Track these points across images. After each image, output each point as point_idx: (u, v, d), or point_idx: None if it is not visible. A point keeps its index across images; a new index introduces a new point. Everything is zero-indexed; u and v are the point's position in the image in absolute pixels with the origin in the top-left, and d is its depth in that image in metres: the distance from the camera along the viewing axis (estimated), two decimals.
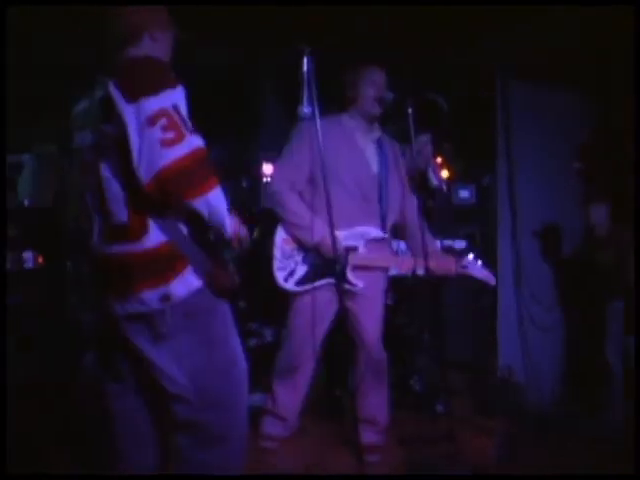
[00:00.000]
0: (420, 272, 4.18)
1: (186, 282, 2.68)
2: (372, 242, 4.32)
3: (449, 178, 6.04)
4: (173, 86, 2.60)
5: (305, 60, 3.60)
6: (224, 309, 2.85)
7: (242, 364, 2.92)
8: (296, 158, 4.25)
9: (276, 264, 4.23)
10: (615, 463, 4.43)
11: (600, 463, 4.48)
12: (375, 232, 4.31)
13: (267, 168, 7.07)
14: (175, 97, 2.58)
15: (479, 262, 4.29)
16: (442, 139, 5.52)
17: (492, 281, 4.40)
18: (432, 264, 4.16)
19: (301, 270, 4.26)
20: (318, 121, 3.62)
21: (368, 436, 4.44)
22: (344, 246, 4.20)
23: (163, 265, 2.67)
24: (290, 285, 4.24)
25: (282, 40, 4.67)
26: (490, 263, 5.79)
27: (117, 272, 2.71)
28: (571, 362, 6.07)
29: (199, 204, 2.59)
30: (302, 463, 4.39)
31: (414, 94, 4.23)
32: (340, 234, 4.07)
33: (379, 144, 4.43)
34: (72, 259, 3.05)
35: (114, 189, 2.67)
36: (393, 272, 4.95)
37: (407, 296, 5.69)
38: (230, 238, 2.78)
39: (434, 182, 5.17)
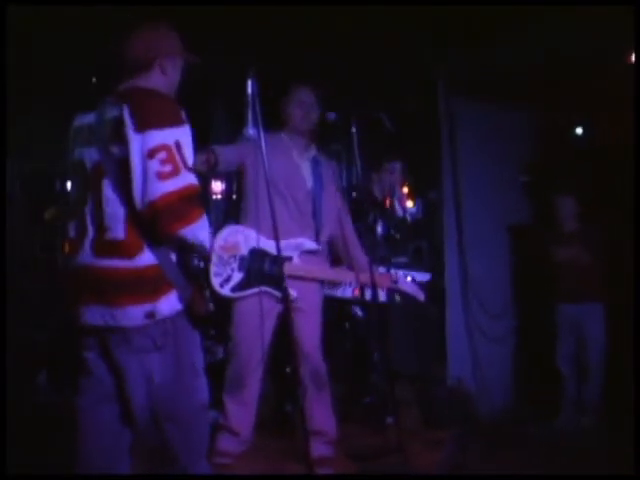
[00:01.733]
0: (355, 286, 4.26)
1: (170, 303, 2.78)
2: (306, 254, 4.43)
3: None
4: (179, 124, 2.75)
5: (250, 82, 3.66)
6: (196, 334, 2.94)
7: (204, 388, 2.99)
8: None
9: (213, 270, 4.28)
10: (568, 469, 4.55)
11: (551, 470, 4.59)
12: (309, 244, 4.42)
13: (215, 186, 7.10)
14: (179, 134, 2.73)
15: (408, 278, 4.37)
16: (388, 156, 5.59)
17: (421, 296, 4.50)
18: (365, 278, 4.27)
19: (237, 277, 4.33)
20: (263, 142, 3.67)
21: (317, 448, 4.49)
22: (281, 256, 4.26)
23: (152, 284, 2.77)
24: (226, 291, 4.31)
25: (230, 56, 4.75)
26: (437, 276, 5.93)
27: (105, 284, 2.79)
28: (521, 370, 6.15)
29: (185, 233, 2.72)
30: None
31: (358, 113, 4.31)
32: (271, 242, 4.13)
33: (315, 162, 4.55)
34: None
35: (114, 206, 2.77)
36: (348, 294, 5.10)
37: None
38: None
39: (399, 212, 5.28)
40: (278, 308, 4.32)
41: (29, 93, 5.43)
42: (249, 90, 3.66)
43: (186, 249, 2.83)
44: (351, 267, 4.57)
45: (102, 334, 2.82)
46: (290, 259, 4.35)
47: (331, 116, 4.39)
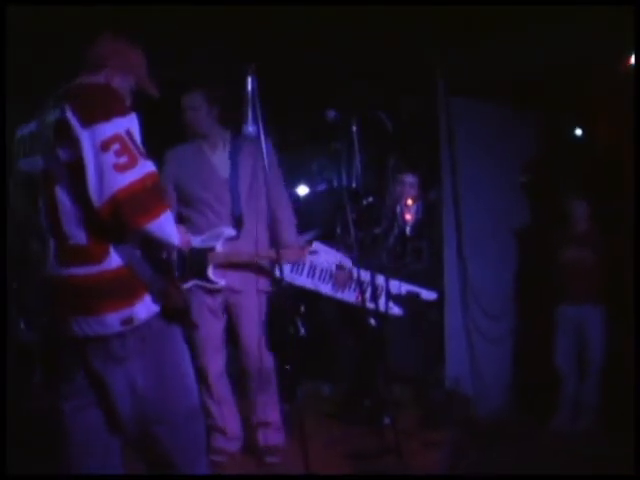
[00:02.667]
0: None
1: (147, 306, 2.71)
2: (230, 241, 4.51)
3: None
4: (125, 113, 2.65)
5: (249, 79, 3.65)
6: (177, 332, 2.87)
7: (193, 388, 2.95)
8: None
9: None
10: (566, 469, 4.53)
11: (549, 471, 4.57)
12: (229, 231, 4.50)
13: None
14: (127, 123, 2.63)
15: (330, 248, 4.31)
16: (387, 154, 5.58)
17: (347, 262, 4.47)
18: (281, 255, 4.24)
19: None
20: (263, 140, 3.66)
21: (265, 438, 4.64)
22: (203, 247, 4.44)
23: (125, 287, 2.69)
24: None
25: (228, 57, 4.73)
26: (437, 276, 5.91)
27: (77, 294, 2.70)
28: (519, 371, 6.13)
29: (151, 228, 2.62)
30: None
31: (358, 112, 4.30)
32: (198, 238, 4.37)
33: (233, 150, 4.59)
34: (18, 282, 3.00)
35: (70, 212, 2.66)
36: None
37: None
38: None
39: (400, 222, 5.28)
40: (218, 303, 4.52)
41: (29, 93, 5.40)
42: (249, 87, 3.65)
43: (153, 245, 2.75)
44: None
45: (80, 344, 2.73)
46: (213, 249, 4.45)
47: (331, 114, 4.37)
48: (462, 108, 6.05)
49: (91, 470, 2.88)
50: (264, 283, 4.66)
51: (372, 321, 5.21)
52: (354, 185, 5.45)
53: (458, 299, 6.01)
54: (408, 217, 5.51)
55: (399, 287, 5.17)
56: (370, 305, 4.95)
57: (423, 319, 5.55)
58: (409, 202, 5.50)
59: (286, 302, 4.65)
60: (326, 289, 5.24)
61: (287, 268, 4.88)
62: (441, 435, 5.15)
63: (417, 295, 5.27)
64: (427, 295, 5.43)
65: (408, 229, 5.51)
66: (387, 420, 5.04)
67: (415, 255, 5.66)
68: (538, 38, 5.29)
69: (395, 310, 5.14)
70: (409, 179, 5.61)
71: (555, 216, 6.03)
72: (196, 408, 2.96)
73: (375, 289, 4.52)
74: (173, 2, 4.74)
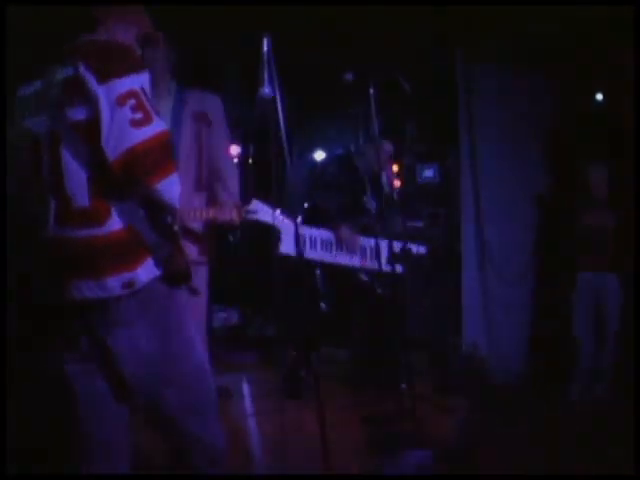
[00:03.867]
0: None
1: (148, 269, 2.67)
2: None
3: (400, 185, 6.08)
4: (141, 70, 2.63)
5: (265, 41, 3.61)
6: (179, 295, 2.84)
7: (199, 348, 2.93)
8: None
9: None
10: (582, 438, 4.54)
11: (565, 438, 4.58)
12: None
13: (233, 149, 7.09)
14: (142, 80, 2.61)
15: (267, 207, 4.17)
16: (406, 119, 5.55)
17: (287, 226, 4.31)
18: (212, 213, 3.96)
19: None
20: (279, 101, 3.62)
21: None
22: None
23: (128, 251, 2.65)
24: None
25: (244, 23, 4.68)
26: (454, 241, 5.90)
27: (78, 256, 2.67)
28: (537, 337, 6.11)
29: (160, 187, 2.61)
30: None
31: (376, 75, 4.25)
32: None
33: (177, 105, 4.21)
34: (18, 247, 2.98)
35: (75, 172, 2.63)
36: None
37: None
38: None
39: (386, 188, 5.24)
40: None
41: None
42: (264, 48, 3.61)
43: (156, 208, 2.70)
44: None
45: (83, 309, 2.70)
46: None
47: (348, 77, 4.32)
48: (480, 75, 6.00)
49: (99, 441, 2.85)
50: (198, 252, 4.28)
51: (363, 277, 5.24)
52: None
53: (475, 265, 5.98)
54: (397, 183, 5.48)
55: (393, 246, 5.13)
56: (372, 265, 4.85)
57: (420, 273, 5.52)
58: (394, 168, 5.46)
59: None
60: (330, 258, 5.24)
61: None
62: (457, 401, 5.15)
63: (409, 250, 5.24)
64: (417, 249, 5.42)
65: (395, 194, 5.49)
66: (403, 386, 5.04)
67: (431, 220, 5.65)
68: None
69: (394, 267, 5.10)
70: (388, 147, 5.56)
71: (574, 182, 5.97)
72: (203, 368, 2.93)
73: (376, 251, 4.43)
74: None
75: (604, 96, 6.39)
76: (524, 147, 6.12)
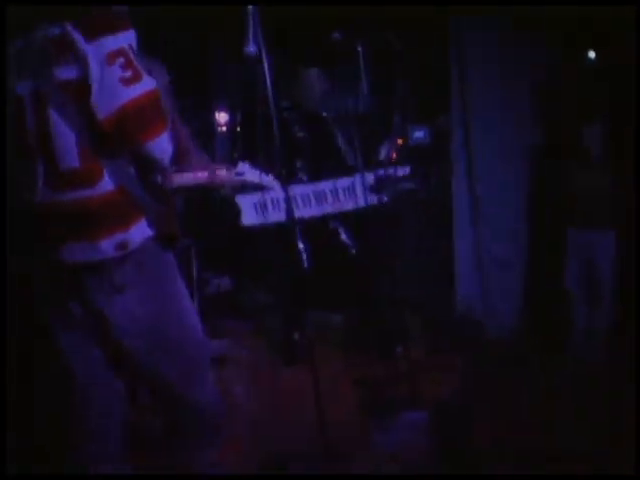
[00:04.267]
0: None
1: (141, 230, 2.66)
2: None
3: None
4: (127, 28, 2.60)
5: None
6: (170, 258, 2.83)
7: (192, 311, 2.93)
8: None
9: None
10: (575, 395, 4.56)
11: (562, 395, 4.61)
12: None
13: (220, 116, 7.03)
14: (130, 38, 2.59)
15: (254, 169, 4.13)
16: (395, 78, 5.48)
17: (273, 185, 4.27)
18: (207, 174, 3.90)
19: None
20: (265, 60, 3.56)
21: None
22: None
23: (120, 212, 2.64)
24: None
25: None
26: (445, 202, 5.86)
27: (69, 219, 2.64)
28: (531, 294, 6.08)
29: (152, 145, 2.59)
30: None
31: (365, 33, 4.20)
32: None
33: None
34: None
35: (63, 133, 2.59)
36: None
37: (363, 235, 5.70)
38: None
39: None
40: None
41: None
42: (249, 7, 3.55)
43: (147, 167, 2.69)
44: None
45: (76, 274, 2.67)
46: None
47: (337, 35, 4.25)
48: (472, 30, 5.90)
49: (95, 417, 2.85)
50: None
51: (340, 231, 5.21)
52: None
53: (467, 221, 5.94)
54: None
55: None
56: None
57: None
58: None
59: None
60: (310, 212, 5.19)
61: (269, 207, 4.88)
62: (452, 359, 5.14)
63: (392, 175, 5.16)
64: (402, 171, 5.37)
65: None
66: (399, 349, 5.01)
67: (423, 179, 5.61)
68: None
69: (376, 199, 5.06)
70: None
71: (568, 139, 5.92)
72: (197, 332, 2.93)
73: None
74: None
75: (599, 52, 6.33)
76: (517, 102, 6.04)
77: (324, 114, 5.67)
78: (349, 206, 5.18)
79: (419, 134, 5.83)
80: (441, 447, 3.88)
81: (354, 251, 5.69)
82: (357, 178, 5.16)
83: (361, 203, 5.01)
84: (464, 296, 5.95)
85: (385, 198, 5.14)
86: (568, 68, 6.14)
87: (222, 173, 3.93)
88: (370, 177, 5.19)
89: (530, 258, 6.09)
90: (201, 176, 3.78)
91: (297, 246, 5.06)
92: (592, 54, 6.41)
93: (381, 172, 5.15)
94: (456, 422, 4.10)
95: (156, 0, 3.08)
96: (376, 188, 4.99)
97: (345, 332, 5.83)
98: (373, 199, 5.11)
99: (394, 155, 5.78)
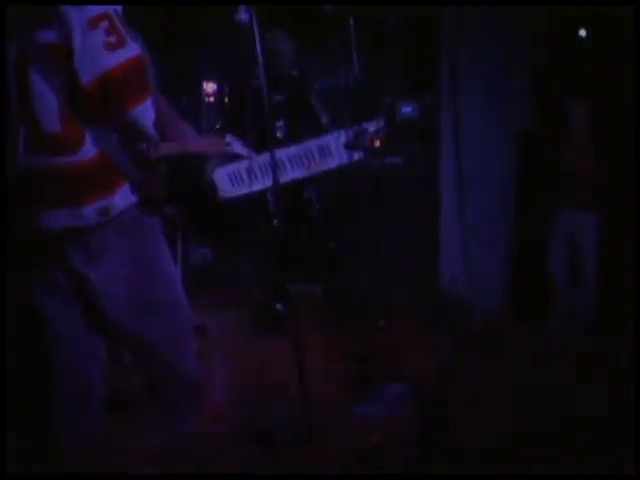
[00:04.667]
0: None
1: (124, 196, 2.67)
2: None
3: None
4: None
5: None
6: (155, 222, 2.84)
7: (177, 276, 2.99)
8: None
9: None
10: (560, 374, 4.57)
11: (546, 375, 4.59)
12: None
13: (209, 86, 6.99)
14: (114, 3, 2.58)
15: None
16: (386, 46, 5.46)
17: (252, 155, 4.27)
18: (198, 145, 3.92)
19: None
20: (255, 26, 3.54)
21: None
22: None
23: (103, 178, 2.63)
24: None
25: None
26: (431, 180, 5.87)
27: (52, 185, 2.63)
28: (515, 274, 6.11)
29: (136, 112, 2.59)
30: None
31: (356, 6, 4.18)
32: None
33: None
34: None
35: (46, 97, 2.57)
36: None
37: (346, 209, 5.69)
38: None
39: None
40: None
41: None
42: None
43: (131, 134, 2.67)
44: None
45: (59, 240, 2.68)
46: None
47: (327, 8, 4.23)
48: (462, 12, 5.89)
49: (75, 381, 2.83)
50: None
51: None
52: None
53: (454, 200, 5.95)
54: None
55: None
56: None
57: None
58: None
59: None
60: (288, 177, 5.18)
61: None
62: (436, 337, 5.15)
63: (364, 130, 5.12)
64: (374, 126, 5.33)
65: None
66: (381, 322, 5.01)
67: (409, 157, 5.60)
68: None
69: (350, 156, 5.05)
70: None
71: (554, 120, 5.93)
72: (180, 298, 2.94)
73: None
74: None
75: (588, 33, 6.34)
76: (505, 82, 6.03)
77: (295, 74, 5.62)
78: (324, 167, 5.14)
79: (407, 109, 5.81)
80: (422, 421, 3.89)
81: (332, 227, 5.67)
82: (332, 137, 5.13)
83: (336, 162, 4.98)
84: (449, 275, 5.97)
85: (360, 154, 5.11)
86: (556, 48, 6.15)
87: (212, 143, 3.95)
88: (345, 135, 5.14)
89: (515, 239, 6.12)
90: (190, 146, 3.80)
91: (275, 215, 5.07)
92: (582, 33, 6.41)
93: (355, 128, 5.08)
94: (436, 398, 4.13)
95: None
96: (351, 145, 4.95)
97: (325, 303, 5.84)
98: (349, 156, 5.08)
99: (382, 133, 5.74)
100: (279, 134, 5.36)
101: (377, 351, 4.64)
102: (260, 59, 3.64)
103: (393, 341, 4.40)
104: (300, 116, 5.53)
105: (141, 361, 2.96)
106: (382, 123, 5.15)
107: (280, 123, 5.37)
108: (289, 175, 5.22)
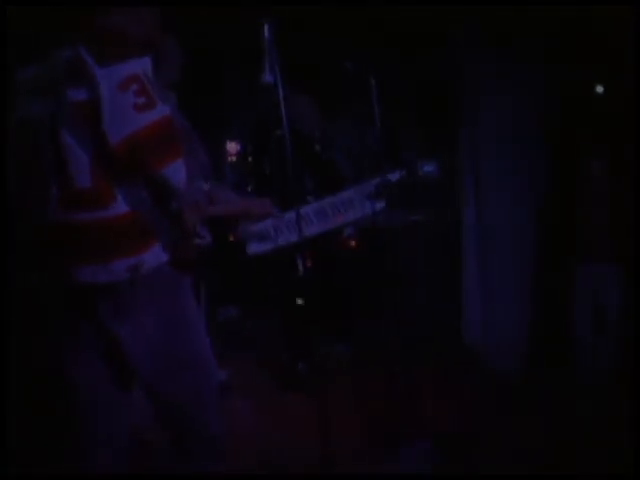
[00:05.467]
0: None
1: (155, 254, 2.68)
2: None
3: None
4: (142, 55, 2.63)
5: (266, 27, 3.59)
6: (186, 283, 2.85)
7: (204, 338, 2.95)
8: None
9: None
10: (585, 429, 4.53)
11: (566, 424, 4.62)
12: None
13: (231, 146, 7.07)
14: (144, 65, 2.61)
15: None
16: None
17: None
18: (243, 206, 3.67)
19: None
20: (280, 88, 3.60)
21: None
22: None
23: (134, 234, 2.65)
24: None
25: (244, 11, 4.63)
26: (454, 235, 5.89)
27: (83, 240, 2.66)
28: (536, 327, 6.08)
29: (166, 173, 2.61)
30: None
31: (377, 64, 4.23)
32: None
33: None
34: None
35: (77, 154, 2.61)
36: None
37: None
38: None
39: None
40: None
41: None
42: (266, 35, 3.59)
43: (162, 193, 2.68)
44: None
45: (87, 296, 2.69)
46: None
47: (349, 65, 4.29)
48: (482, 62, 5.95)
49: (99, 430, 2.85)
50: None
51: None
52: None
53: (475, 250, 5.97)
54: None
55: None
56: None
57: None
58: None
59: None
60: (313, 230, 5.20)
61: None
62: (456, 387, 5.18)
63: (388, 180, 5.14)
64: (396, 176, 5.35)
65: None
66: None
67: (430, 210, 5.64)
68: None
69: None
70: None
71: (575, 171, 5.94)
72: (208, 356, 2.95)
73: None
74: None
75: (604, 86, 6.37)
76: (524, 135, 6.06)
77: (318, 134, 5.71)
78: (348, 218, 5.19)
79: (428, 167, 5.86)
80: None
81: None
82: (355, 189, 5.18)
83: (359, 214, 5.03)
84: (470, 323, 5.97)
85: (383, 205, 5.15)
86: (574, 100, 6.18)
87: (260, 205, 3.93)
88: (367, 186, 5.19)
89: (538, 288, 6.10)
90: (238, 208, 3.72)
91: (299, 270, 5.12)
92: (600, 88, 6.44)
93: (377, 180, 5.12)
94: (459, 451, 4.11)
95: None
96: (374, 195, 5.00)
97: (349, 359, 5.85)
98: (373, 207, 5.12)
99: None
100: (303, 191, 5.41)
101: (400, 405, 4.63)
102: (284, 120, 3.69)
103: (416, 395, 4.39)
104: (324, 173, 5.59)
105: (162, 414, 2.95)
106: (403, 173, 5.18)
107: (305, 180, 5.43)
108: (314, 229, 5.26)
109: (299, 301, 5.36)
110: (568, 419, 4.77)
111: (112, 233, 2.63)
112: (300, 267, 5.14)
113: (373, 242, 5.62)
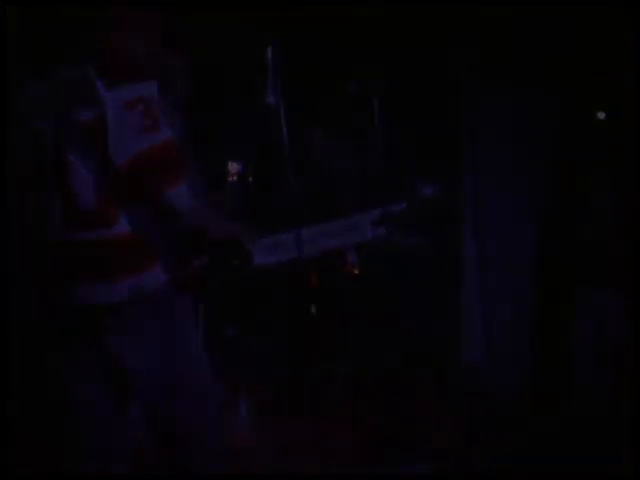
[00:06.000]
0: None
1: (157, 275, 2.69)
2: None
3: None
4: (151, 77, 2.67)
5: (269, 49, 3.62)
6: (187, 303, 2.87)
7: (204, 357, 2.97)
8: None
9: None
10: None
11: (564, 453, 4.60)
12: None
13: (232, 167, 7.06)
14: (151, 87, 2.65)
15: None
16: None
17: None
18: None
19: None
20: (282, 111, 3.63)
21: None
22: None
23: (137, 254, 2.68)
24: None
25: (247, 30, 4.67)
26: (454, 261, 5.89)
27: (86, 259, 2.68)
28: (535, 352, 6.07)
29: (170, 195, 2.63)
30: None
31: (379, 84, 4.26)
32: None
33: None
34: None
35: (82, 174, 2.65)
36: None
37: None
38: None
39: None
40: None
41: None
42: (269, 57, 3.62)
43: (166, 214, 2.69)
44: None
45: (88, 314, 2.71)
46: None
47: (354, 87, 4.32)
48: (480, 90, 5.98)
49: (98, 447, 2.86)
50: None
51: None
52: None
53: (475, 280, 5.96)
54: None
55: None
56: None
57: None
58: None
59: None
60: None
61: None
62: (456, 416, 5.14)
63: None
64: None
65: None
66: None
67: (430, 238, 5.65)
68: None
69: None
70: None
71: (576, 196, 5.94)
72: (209, 377, 2.96)
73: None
74: None
75: (610, 111, 6.37)
76: (525, 161, 6.08)
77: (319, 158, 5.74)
78: (351, 240, 5.21)
79: (428, 191, 5.88)
80: None
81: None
82: (357, 216, 5.21)
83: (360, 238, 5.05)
84: (469, 351, 5.95)
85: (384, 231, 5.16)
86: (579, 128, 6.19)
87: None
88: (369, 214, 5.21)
89: (538, 318, 6.09)
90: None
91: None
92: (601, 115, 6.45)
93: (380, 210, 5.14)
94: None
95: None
96: (376, 222, 5.03)
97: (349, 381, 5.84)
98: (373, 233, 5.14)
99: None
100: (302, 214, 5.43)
101: (398, 429, 4.63)
102: (286, 142, 3.72)
103: (414, 418, 4.39)
104: (325, 196, 5.62)
105: (163, 430, 2.96)
106: (404, 204, 5.21)
107: (305, 203, 5.45)
108: (313, 249, 5.27)
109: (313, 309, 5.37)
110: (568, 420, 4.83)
111: (114, 252, 2.65)
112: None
113: (375, 268, 5.60)
